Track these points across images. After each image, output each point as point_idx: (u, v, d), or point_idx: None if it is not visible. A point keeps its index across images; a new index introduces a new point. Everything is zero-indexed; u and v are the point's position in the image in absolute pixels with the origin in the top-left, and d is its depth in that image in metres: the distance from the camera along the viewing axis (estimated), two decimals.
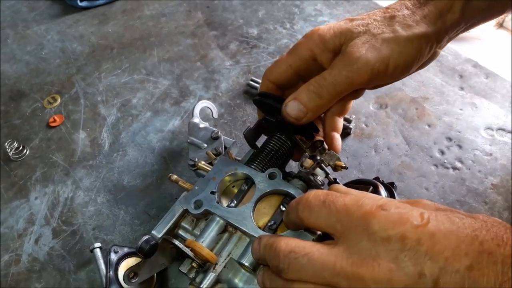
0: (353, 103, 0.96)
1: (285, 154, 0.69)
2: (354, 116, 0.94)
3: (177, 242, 0.59)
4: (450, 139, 0.90)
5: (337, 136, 0.70)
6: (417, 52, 0.58)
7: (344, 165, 0.63)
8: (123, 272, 0.68)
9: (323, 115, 0.71)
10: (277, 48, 1.17)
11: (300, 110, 0.61)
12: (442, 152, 0.88)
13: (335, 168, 0.64)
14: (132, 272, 0.66)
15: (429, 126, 0.93)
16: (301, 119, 0.62)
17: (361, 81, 0.58)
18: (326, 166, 0.64)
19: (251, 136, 0.71)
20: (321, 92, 0.59)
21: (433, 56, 0.64)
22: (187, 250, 0.59)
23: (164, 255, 0.66)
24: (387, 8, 0.61)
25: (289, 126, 0.65)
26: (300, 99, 0.61)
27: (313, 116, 0.62)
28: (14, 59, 1.28)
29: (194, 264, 0.60)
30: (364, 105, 0.99)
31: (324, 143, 0.66)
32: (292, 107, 0.61)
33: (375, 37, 0.58)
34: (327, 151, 0.65)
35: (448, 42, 0.63)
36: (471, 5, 0.58)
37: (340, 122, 0.71)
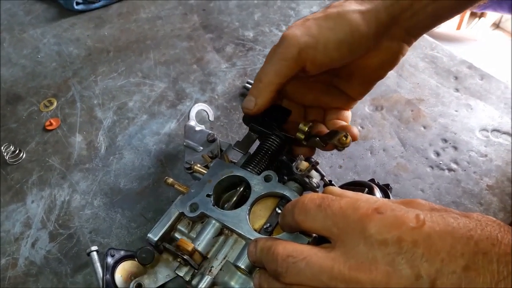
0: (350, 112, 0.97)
1: (279, 154, 0.69)
2: (350, 119, 0.94)
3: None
4: (445, 140, 0.91)
5: (344, 123, 0.72)
6: (350, 28, 0.59)
7: (346, 136, 0.61)
8: (119, 276, 0.68)
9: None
10: None
11: (249, 100, 0.65)
12: (438, 154, 0.89)
13: (339, 143, 0.61)
14: (136, 283, 0.66)
15: (424, 127, 0.94)
16: (252, 107, 0.65)
17: (291, 55, 0.60)
18: (325, 144, 0.63)
19: (241, 147, 0.72)
20: (260, 75, 0.63)
21: (397, 52, 0.65)
22: (170, 246, 0.60)
23: (169, 266, 0.66)
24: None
25: (259, 119, 0.68)
26: (250, 91, 0.66)
27: (262, 102, 0.65)
28: (10, 63, 1.28)
29: (179, 260, 0.60)
30: (359, 107, 0.99)
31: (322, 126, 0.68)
32: (245, 100, 0.66)
33: (308, 19, 0.61)
34: (331, 131, 0.65)
35: (410, 35, 0.64)
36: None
37: (347, 114, 0.74)
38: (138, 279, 0.66)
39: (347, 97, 0.72)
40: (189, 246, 0.59)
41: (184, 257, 0.59)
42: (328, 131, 0.69)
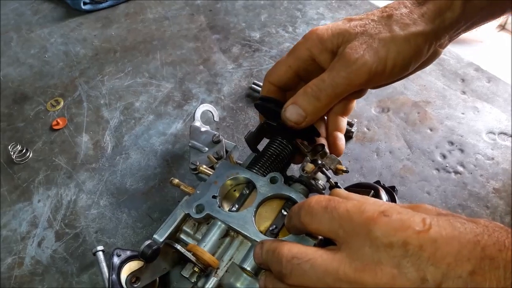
0: (355, 107, 0.96)
1: (286, 158, 0.69)
2: (356, 120, 0.94)
3: (179, 247, 0.59)
4: (452, 143, 0.90)
5: (340, 135, 0.69)
6: (415, 51, 0.58)
7: (345, 169, 0.63)
8: (125, 276, 0.68)
9: (326, 115, 0.71)
10: (279, 51, 1.17)
11: (299, 114, 0.61)
12: (444, 156, 0.88)
13: (336, 172, 0.64)
14: (134, 277, 0.66)
15: (431, 130, 0.93)
16: (300, 123, 0.62)
17: (360, 82, 0.58)
18: (327, 170, 0.64)
19: (252, 140, 0.71)
20: (319, 95, 0.60)
21: (433, 56, 0.64)
22: (189, 255, 0.59)
23: (166, 259, 0.66)
24: (385, 7, 0.61)
25: (290, 130, 0.65)
26: (299, 103, 0.61)
27: (312, 119, 0.62)
28: (17, 62, 1.29)
29: (196, 269, 0.60)
30: (366, 109, 0.99)
31: (326, 147, 0.66)
32: (291, 112, 0.61)
33: (373, 38, 0.58)
34: (328, 155, 0.65)
35: (449, 41, 0.63)
36: (471, 4, 0.57)
37: (344, 122, 0.71)
38: (135, 272, 0.66)
39: (362, 89, 0.70)
40: (215, 264, 0.59)
41: (200, 266, 0.59)
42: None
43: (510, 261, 0.36)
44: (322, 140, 0.69)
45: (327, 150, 0.66)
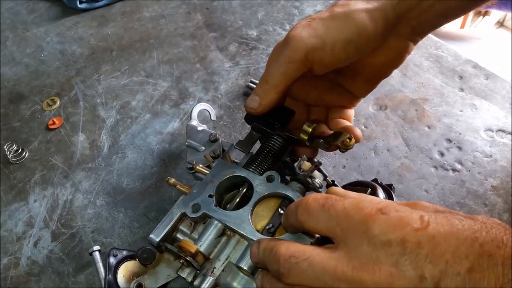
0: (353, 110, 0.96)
1: (283, 153, 0.69)
2: (353, 118, 0.94)
3: (169, 245, 0.60)
4: (450, 140, 0.90)
5: (349, 124, 0.71)
6: (357, 28, 0.58)
7: (350, 138, 0.61)
8: (122, 276, 0.68)
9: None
10: None
11: (254, 100, 0.65)
12: (442, 154, 0.88)
13: (343, 145, 0.61)
14: (137, 283, 0.66)
15: (428, 127, 0.93)
16: (256, 107, 0.65)
17: (298, 57, 0.60)
18: (329, 145, 0.63)
19: (243, 146, 0.72)
20: (266, 77, 0.63)
21: (402, 51, 0.64)
22: (172, 247, 0.59)
23: (170, 266, 0.66)
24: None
25: (272, 121, 0.67)
26: (255, 91, 0.65)
27: (266, 102, 0.65)
28: (13, 62, 1.28)
29: (182, 261, 0.60)
30: (363, 107, 0.98)
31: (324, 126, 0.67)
32: (249, 100, 0.66)
33: (313, 19, 0.60)
34: (334, 133, 0.64)
35: (417, 33, 0.63)
36: None
37: (350, 112, 0.73)
38: (139, 279, 0.66)
39: (351, 95, 0.71)
40: (192, 248, 0.59)
41: (187, 258, 0.59)
42: (330, 131, 0.69)
43: (508, 258, 0.36)
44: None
45: (325, 130, 0.67)
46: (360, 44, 0.60)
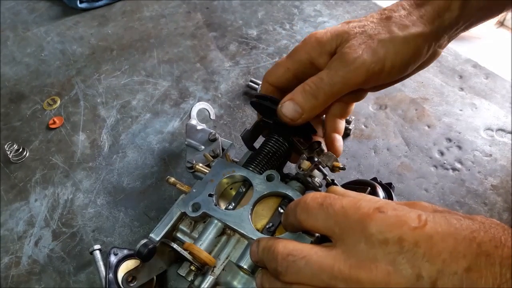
0: (354, 105, 0.96)
1: (282, 155, 0.69)
2: (353, 117, 0.94)
3: (175, 246, 0.59)
4: (449, 140, 0.90)
5: (338, 137, 0.69)
6: (414, 52, 0.58)
7: (342, 166, 0.63)
8: (122, 275, 0.68)
9: (324, 116, 0.71)
10: (276, 49, 1.17)
11: (295, 111, 0.61)
12: (442, 153, 0.88)
13: (333, 169, 0.64)
14: (130, 276, 0.66)
15: (428, 127, 0.93)
16: (296, 119, 0.61)
17: (357, 81, 0.58)
18: (323, 168, 0.64)
19: (248, 138, 0.71)
20: (317, 93, 0.59)
21: (433, 56, 0.63)
22: (186, 254, 0.59)
23: (162, 258, 0.66)
24: (384, 9, 0.61)
25: (286, 128, 0.65)
26: (295, 99, 0.61)
27: (308, 116, 0.62)
28: (14, 61, 1.28)
29: (192, 267, 0.60)
30: (363, 106, 0.98)
31: (322, 144, 0.66)
32: (288, 108, 0.61)
33: (371, 38, 0.58)
34: (324, 152, 0.65)
35: (448, 41, 0.63)
36: (469, 4, 0.57)
37: (342, 124, 0.70)
38: (132, 271, 0.66)
39: (362, 91, 0.69)
40: (212, 262, 0.59)
41: (197, 264, 0.59)
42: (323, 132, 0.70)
43: (506, 258, 0.36)
44: (319, 138, 0.69)
45: (324, 148, 0.66)
46: (414, 65, 0.60)
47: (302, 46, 0.64)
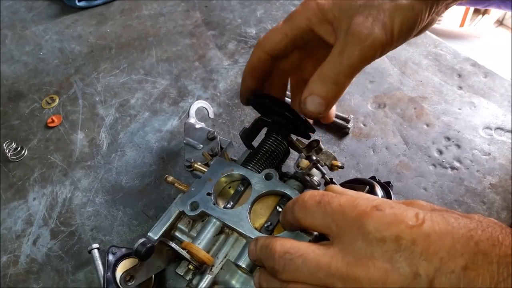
0: (352, 103, 0.96)
1: (281, 154, 0.69)
2: (352, 116, 0.94)
3: (173, 245, 0.59)
4: (448, 138, 0.90)
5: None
6: (418, 17, 0.56)
7: (340, 165, 0.63)
8: (120, 274, 0.68)
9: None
10: None
11: (321, 104, 0.58)
12: (441, 152, 0.88)
13: (332, 167, 0.64)
14: (128, 275, 0.66)
15: (427, 125, 0.93)
16: (323, 112, 0.58)
17: (374, 55, 0.56)
18: (322, 166, 0.64)
19: (247, 136, 0.71)
20: (337, 79, 0.57)
21: (431, 22, 0.62)
22: (184, 253, 0.58)
23: (160, 257, 0.66)
24: None
25: (285, 126, 0.65)
26: (317, 92, 0.57)
27: (333, 104, 0.59)
28: (12, 60, 1.28)
29: (190, 266, 0.60)
30: (362, 105, 0.98)
31: (321, 143, 0.66)
32: (312, 103, 0.58)
33: (377, 9, 0.55)
34: (323, 150, 0.65)
35: (446, 8, 0.61)
36: None
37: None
38: (130, 270, 0.66)
39: None
40: (210, 261, 0.59)
41: (195, 263, 0.59)
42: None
43: (504, 256, 0.36)
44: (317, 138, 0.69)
45: (322, 146, 0.66)
46: (417, 29, 0.58)
47: (302, 11, 0.61)
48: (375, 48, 0.55)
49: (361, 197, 0.46)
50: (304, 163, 0.62)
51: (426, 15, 0.57)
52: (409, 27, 0.57)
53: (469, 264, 0.36)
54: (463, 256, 0.37)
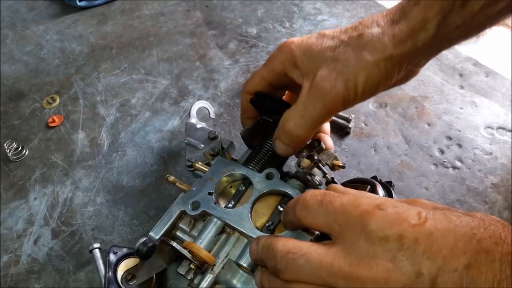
0: None
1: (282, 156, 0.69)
2: (353, 115, 0.94)
3: (175, 244, 0.59)
4: (450, 138, 0.90)
5: (326, 136, 0.71)
6: (384, 75, 0.57)
7: (341, 164, 0.63)
8: (122, 273, 0.68)
9: None
10: (276, 47, 1.15)
11: (286, 149, 0.64)
12: (442, 151, 0.88)
13: (333, 167, 0.64)
14: (130, 274, 0.66)
15: (428, 125, 0.93)
16: (290, 153, 0.65)
17: (336, 109, 0.59)
18: (323, 166, 0.64)
19: (248, 136, 0.71)
20: (299, 131, 0.61)
21: (409, 75, 0.63)
22: (185, 252, 0.58)
23: (162, 256, 0.66)
24: (359, 23, 0.59)
25: None
26: (283, 141, 0.63)
27: (300, 146, 0.64)
28: (13, 60, 1.28)
29: (192, 266, 0.60)
30: (363, 104, 0.98)
31: (322, 142, 0.66)
32: (279, 147, 0.64)
33: (342, 64, 0.56)
34: (324, 150, 0.65)
35: (427, 60, 0.61)
36: (446, 23, 0.54)
37: (327, 125, 0.73)
38: (131, 269, 0.66)
39: None
40: (211, 260, 0.59)
41: (198, 264, 0.59)
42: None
43: (506, 254, 0.36)
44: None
45: (323, 146, 0.66)
46: (385, 86, 0.59)
47: (277, 55, 0.65)
48: (336, 103, 0.58)
49: (363, 196, 0.46)
50: (306, 162, 0.62)
51: (396, 72, 0.57)
52: (374, 85, 0.57)
53: (471, 263, 0.36)
54: (466, 255, 0.37)
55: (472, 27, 0.56)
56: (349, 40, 0.58)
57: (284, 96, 0.74)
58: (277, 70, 0.65)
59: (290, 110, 0.61)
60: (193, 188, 0.66)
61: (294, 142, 0.62)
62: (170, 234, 0.65)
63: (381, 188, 0.65)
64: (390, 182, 0.71)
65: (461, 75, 1.02)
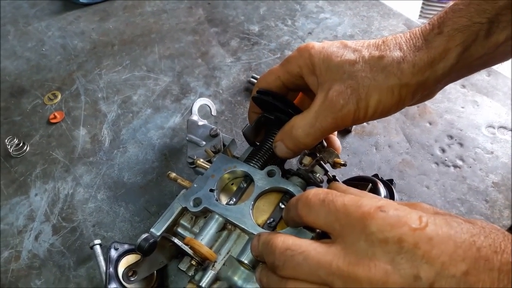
0: None
1: None
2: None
3: (176, 240, 0.59)
4: (451, 137, 0.90)
5: (334, 137, 0.71)
6: (397, 100, 0.57)
7: (343, 162, 0.63)
8: (123, 269, 0.68)
9: None
10: (278, 45, 1.17)
11: (287, 152, 0.64)
12: (443, 150, 0.88)
13: (334, 165, 0.64)
14: (131, 270, 0.66)
15: (430, 124, 0.93)
16: (290, 157, 0.67)
17: (345, 125, 0.60)
18: (325, 164, 0.64)
19: (250, 133, 0.71)
20: (306, 139, 0.62)
21: (425, 98, 0.63)
22: (186, 248, 0.58)
23: (163, 252, 0.66)
24: (383, 41, 0.59)
25: None
26: (286, 144, 0.64)
27: (300, 153, 0.64)
28: (14, 56, 1.28)
29: (193, 262, 0.60)
30: None
31: (323, 140, 0.66)
32: (280, 149, 0.65)
33: (358, 83, 0.57)
34: (326, 148, 0.65)
35: (443, 86, 0.62)
36: (468, 53, 0.54)
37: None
38: (132, 265, 0.66)
39: None
40: (213, 257, 0.59)
41: (199, 260, 0.59)
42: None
43: (505, 263, 0.36)
44: None
45: (325, 143, 0.66)
46: (396, 110, 0.60)
47: (296, 58, 0.64)
48: (346, 120, 0.59)
49: (365, 197, 0.46)
50: (307, 160, 0.62)
51: (409, 99, 0.58)
52: (385, 108, 0.58)
53: (470, 270, 0.36)
54: (465, 261, 0.37)
55: (495, 57, 0.57)
56: (369, 59, 0.58)
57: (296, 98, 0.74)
58: (294, 73, 0.65)
59: (300, 118, 0.62)
60: (195, 185, 0.66)
61: (298, 148, 0.63)
62: (171, 230, 0.65)
63: (382, 186, 0.65)
64: (391, 180, 0.71)
65: None
